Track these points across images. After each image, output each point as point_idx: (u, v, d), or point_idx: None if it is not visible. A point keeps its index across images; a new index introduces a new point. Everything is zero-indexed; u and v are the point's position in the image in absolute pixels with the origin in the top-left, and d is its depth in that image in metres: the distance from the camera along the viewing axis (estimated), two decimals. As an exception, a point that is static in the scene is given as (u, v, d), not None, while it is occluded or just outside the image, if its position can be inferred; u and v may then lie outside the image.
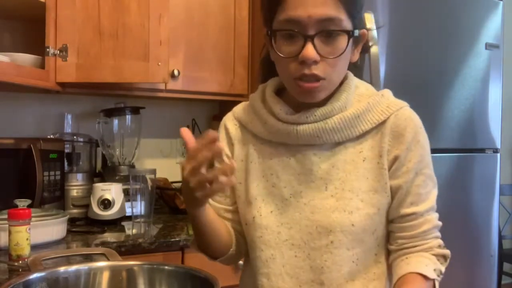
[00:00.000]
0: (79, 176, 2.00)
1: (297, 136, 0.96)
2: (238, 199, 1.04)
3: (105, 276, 0.97)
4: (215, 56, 2.15)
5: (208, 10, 2.13)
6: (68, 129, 2.16)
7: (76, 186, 1.98)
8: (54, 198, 1.86)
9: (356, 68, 1.06)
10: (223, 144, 1.06)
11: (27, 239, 1.34)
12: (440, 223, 1.00)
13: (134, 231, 1.85)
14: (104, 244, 1.64)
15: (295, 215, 0.97)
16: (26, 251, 1.34)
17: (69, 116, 2.17)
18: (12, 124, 2.10)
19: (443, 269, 0.98)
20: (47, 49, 1.79)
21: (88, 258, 1.30)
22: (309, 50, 0.87)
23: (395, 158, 0.95)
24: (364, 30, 0.96)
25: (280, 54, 0.91)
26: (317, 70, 0.89)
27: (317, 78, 0.90)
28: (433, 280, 0.94)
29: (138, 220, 1.92)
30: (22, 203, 1.39)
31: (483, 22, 2.17)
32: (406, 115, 0.98)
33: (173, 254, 1.71)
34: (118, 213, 1.92)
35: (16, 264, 1.32)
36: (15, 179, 1.74)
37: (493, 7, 2.20)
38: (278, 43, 0.92)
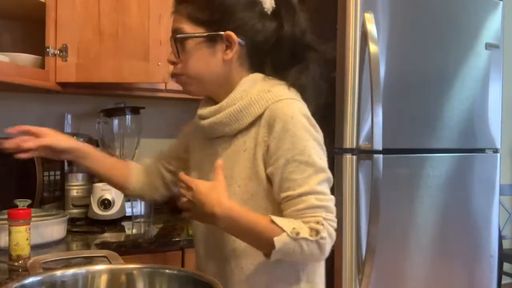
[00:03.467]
0: (79, 176, 2.00)
1: (203, 130, 1.16)
2: None
3: (104, 279, 0.96)
4: (215, 56, 2.14)
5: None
6: (68, 129, 2.16)
7: (76, 186, 1.98)
8: (54, 198, 1.86)
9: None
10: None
11: (27, 239, 1.34)
12: (327, 204, 1.03)
13: (134, 231, 1.85)
14: (104, 244, 1.64)
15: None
16: (26, 251, 1.34)
17: (69, 116, 2.17)
18: (12, 124, 2.09)
19: (305, 235, 1.00)
20: (47, 49, 1.79)
21: (88, 259, 1.30)
22: (169, 54, 1.16)
23: (268, 148, 1.06)
24: (228, 32, 1.09)
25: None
26: (175, 69, 1.16)
27: (176, 75, 1.16)
28: (285, 232, 0.99)
29: (138, 220, 1.92)
30: (22, 203, 1.39)
31: (483, 22, 2.17)
32: (278, 107, 1.06)
33: (173, 254, 1.71)
34: (118, 213, 1.92)
35: (16, 264, 1.32)
36: (15, 179, 1.74)
37: (493, 7, 2.19)
38: None
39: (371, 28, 1.81)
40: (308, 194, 1.02)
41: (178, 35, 1.12)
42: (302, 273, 1.12)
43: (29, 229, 1.35)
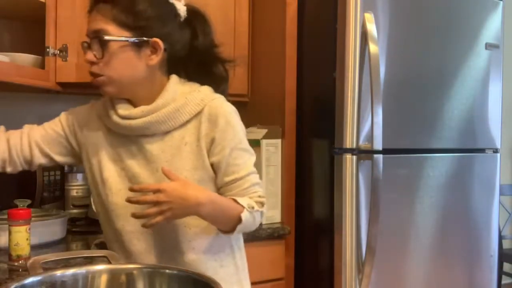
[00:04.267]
0: (79, 176, 2.00)
1: (131, 129, 1.21)
2: (89, 176, 1.29)
3: (104, 279, 0.95)
4: (215, 56, 2.14)
5: (208, 11, 2.10)
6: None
7: (76, 186, 1.98)
8: (54, 198, 1.87)
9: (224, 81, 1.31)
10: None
11: (27, 239, 1.34)
12: (260, 181, 1.25)
13: (134, 231, 1.85)
14: (104, 244, 1.63)
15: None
16: (26, 251, 1.34)
17: (69, 116, 2.17)
18: (12, 124, 2.09)
19: (256, 207, 1.20)
20: (47, 49, 1.78)
21: (88, 259, 1.30)
22: (87, 53, 1.17)
23: (212, 140, 1.20)
24: (155, 39, 1.18)
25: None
26: (95, 69, 1.18)
27: (94, 75, 1.19)
28: (243, 207, 1.17)
29: (138, 220, 1.91)
30: (22, 203, 1.39)
31: (483, 22, 2.17)
32: (218, 104, 1.22)
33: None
34: (118, 213, 1.92)
35: (16, 264, 1.32)
36: (15, 179, 1.74)
37: (493, 7, 2.19)
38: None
39: (371, 28, 1.81)
40: (250, 175, 1.23)
41: (106, 37, 1.15)
42: (233, 242, 1.30)
43: (29, 229, 1.35)
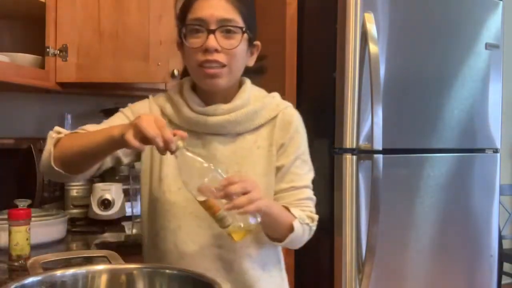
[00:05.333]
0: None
1: (205, 126, 1.16)
2: (146, 173, 1.22)
3: (104, 279, 0.95)
4: (215, 56, 2.14)
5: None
6: (68, 129, 2.16)
7: (76, 186, 1.98)
8: (54, 198, 1.86)
9: (259, 75, 1.29)
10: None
11: (27, 239, 1.34)
12: (314, 198, 1.22)
13: (134, 231, 1.85)
14: (104, 244, 1.64)
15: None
16: (26, 251, 1.34)
17: (69, 116, 2.17)
18: (12, 124, 2.10)
19: (307, 222, 1.16)
20: (47, 49, 1.78)
21: (88, 259, 1.30)
22: (211, 40, 1.09)
23: (282, 145, 1.19)
24: (258, 42, 1.19)
25: (190, 45, 1.12)
26: (218, 57, 1.10)
27: (219, 64, 1.10)
28: (297, 219, 1.13)
29: (138, 220, 1.91)
30: (22, 203, 1.39)
31: (483, 22, 2.17)
32: (292, 112, 1.22)
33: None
34: (118, 213, 1.92)
35: (16, 264, 1.32)
36: (15, 179, 1.74)
37: (493, 7, 2.19)
38: (188, 38, 1.12)
39: (371, 28, 1.81)
40: (307, 188, 1.21)
41: (239, 27, 1.11)
42: (280, 255, 1.27)
43: (29, 229, 1.35)
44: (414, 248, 2.00)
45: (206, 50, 1.09)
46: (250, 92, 1.20)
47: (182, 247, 1.16)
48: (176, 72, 2.01)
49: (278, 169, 1.19)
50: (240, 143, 1.18)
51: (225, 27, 1.10)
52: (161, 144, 0.94)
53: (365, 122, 1.85)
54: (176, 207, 1.16)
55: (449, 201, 2.08)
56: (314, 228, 1.19)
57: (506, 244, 3.43)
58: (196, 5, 1.11)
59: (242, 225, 1.00)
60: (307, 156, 1.23)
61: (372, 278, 1.82)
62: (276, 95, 1.25)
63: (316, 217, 1.20)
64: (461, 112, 2.11)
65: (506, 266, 3.41)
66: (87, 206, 1.93)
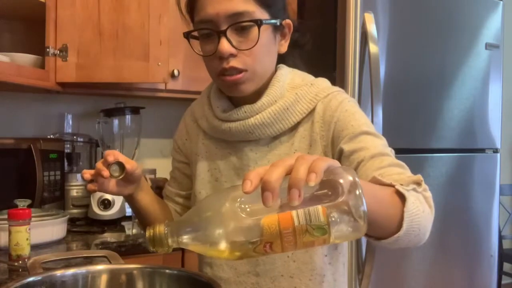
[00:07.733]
0: (79, 176, 2.00)
1: (231, 133, 0.99)
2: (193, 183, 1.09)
3: (104, 279, 0.95)
4: (215, 56, 2.14)
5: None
6: (68, 129, 2.16)
7: (76, 186, 1.98)
8: (54, 198, 1.86)
9: (298, 59, 1.08)
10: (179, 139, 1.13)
11: (27, 239, 1.34)
12: (403, 163, 0.91)
13: (134, 231, 1.85)
14: (104, 244, 1.64)
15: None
16: (26, 251, 1.34)
17: (69, 116, 2.17)
18: (12, 124, 2.10)
19: (413, 186, 0.79)
20: (47, 49, 1.78)
21: (88, 259, 1.30)
22: (223, 45, 0.89)
23: (333, 138, 0.95)
24: (288, 20, 0.97)
25: (201, 54, 0.94)
26: (235, 62, 0.91)
27: (238, 71, 0.92)
28: (397, 185, 0.77)
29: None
30: (22, 203, 1.39)
31: (483, 22, 2.17)
32: (331, 99, 0.97)
33: (173, 254, 1.71)
34: (118, 213, 1.92)
35: (16, 264, 1.32)
36: (15, 179, 1.74)
37: (493, 7, 2.20)
38: (200, 44, 0.95)
39: (371, 28, 1.81)
40: (385, 155, 0.90)
41: (254, 20, 0.89)
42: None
43: (29, 229, 1.35)
44: (414, 248, 2.00)
45: (221, 57, 0.91)
46: (284, 83, 0.99)
47: (218, 272, 1.05)
48: (176, 72, 2.01)
49: (346, 155, 0.92)
50: (275, 149, 0.99)
51: (236, 24, 0.90)
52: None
53: (365, 122, 1.85)
54: None
55: (449, 201, 2.08)
56: (429, 195, 0.80)
57: (506, 244, 3.43)
58: (200, 2, 0.93)
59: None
60: (368, 127, 0.94)
61: (372, 278, 1.82)
62: (318, 82, 1.00)
63: (420, 178, 0.81)
64: (461, 112, 2.11)
65: (506, 266, 3.41)
66: (87, 206, 1.93)
